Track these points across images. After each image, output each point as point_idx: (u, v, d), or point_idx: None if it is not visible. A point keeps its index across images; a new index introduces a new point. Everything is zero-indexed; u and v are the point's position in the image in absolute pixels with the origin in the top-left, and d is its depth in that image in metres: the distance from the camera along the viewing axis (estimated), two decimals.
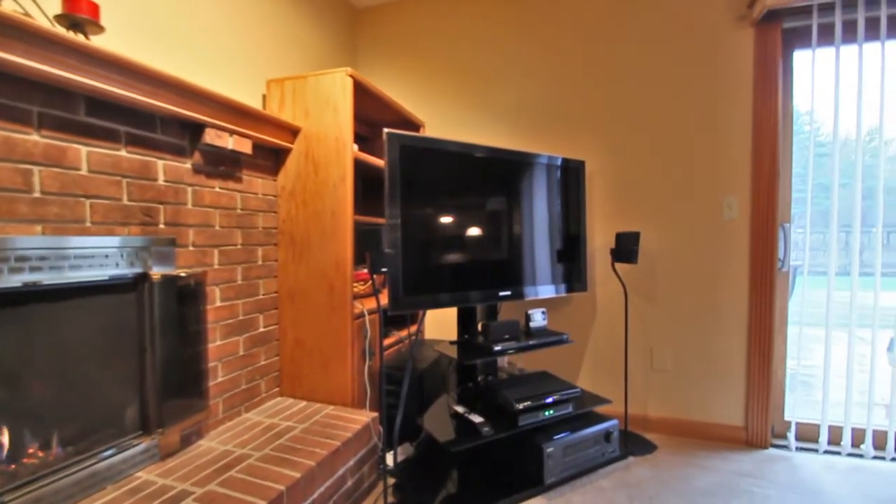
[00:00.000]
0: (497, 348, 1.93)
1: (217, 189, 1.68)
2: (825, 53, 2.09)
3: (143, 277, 1.38)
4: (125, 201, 1.36)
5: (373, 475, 1.81)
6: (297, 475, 1.36)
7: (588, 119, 2.46)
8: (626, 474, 1.97)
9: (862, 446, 2.10)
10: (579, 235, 2.32)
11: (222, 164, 1.69)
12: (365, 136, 2.52)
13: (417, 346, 2.29)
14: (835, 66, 2.07)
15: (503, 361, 2.32)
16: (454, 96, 2.68)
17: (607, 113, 2.43)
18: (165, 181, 1.49)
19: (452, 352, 2.01)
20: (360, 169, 2.06)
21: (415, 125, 2.56)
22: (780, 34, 2.14)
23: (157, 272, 1.40)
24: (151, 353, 1.38)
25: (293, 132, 1.92)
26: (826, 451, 2.13)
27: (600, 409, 2.09)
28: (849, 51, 2.05)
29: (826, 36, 2.08)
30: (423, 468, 1.93)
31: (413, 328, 2.17)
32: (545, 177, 2.21)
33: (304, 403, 1.90)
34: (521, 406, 1.85)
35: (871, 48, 2.02)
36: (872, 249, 2.08)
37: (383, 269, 1.70)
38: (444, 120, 2.70)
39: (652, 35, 2.34)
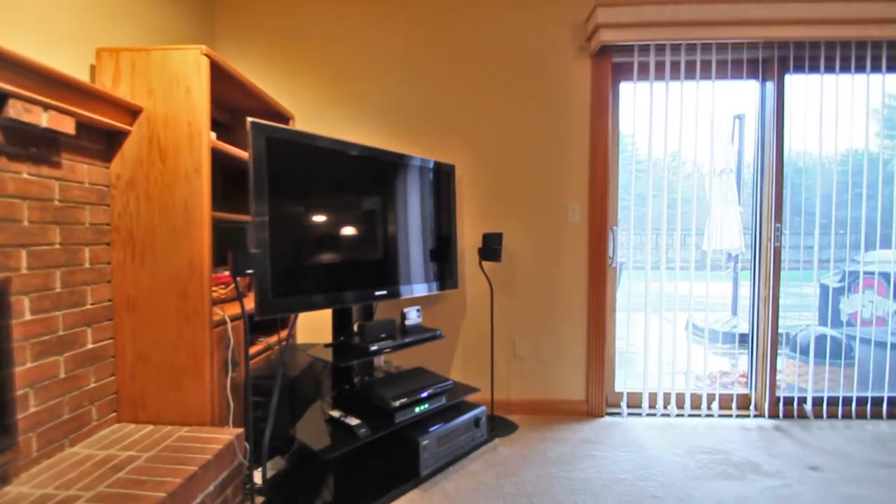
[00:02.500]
0: (373, 348, 1.93)
1: (25, 175, 1.35)
2: (643, 87, 2.54)
3: None
4: None
5: (238, 497, 1.65)
6: None
7: (458, 126, 2.60)
8: (494, 455, 2.14)
9: (669, 407, 2.62)
10: (450, 236, 2.44)
11: (33, 145, 1.37)
12: (225, 123, 2.27)
13: (288, 351, 2.15)
14: (649, 98, 2.53)
15: (380, 361, 2.32)
16: (326, 93, 2.59)
17: (475, 122, 2.60)
18: None
19: (327, 355, 1.94)
20: (221, 160, 1.86)
21: (284, 117, 2.40)
22: (610, 67, 2.55)
23: None
24: None
25: (132, 112, 1.64)
26: (647, 414, 2.60)
27: (470, 397, 2.23)
28: (660, 86, 2.53)
29: (644, 72, 2.53)
30: (297, 481, 1.83)
31: (283, 333, 2.04)
32: (418, 178, 2.27)
33: (150, 428, 1.64)
34: (397, 403, 1.88)
35: (675, 86, 2.53)
36: (674, 248, 2.61)
37: (249, 271, 1.57)
38: (315, 116, 2.58)
39: (513, 56, 2.58)
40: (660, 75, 2.52)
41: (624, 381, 2.71)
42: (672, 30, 2.35)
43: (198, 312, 1.66)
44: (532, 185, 2.61)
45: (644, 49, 2.49)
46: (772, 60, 2.53)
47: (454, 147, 2.60)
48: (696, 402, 2.62)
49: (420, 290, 2.26)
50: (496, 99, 2.59)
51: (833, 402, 2.56)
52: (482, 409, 2.19)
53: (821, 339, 2.62)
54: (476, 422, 2.15)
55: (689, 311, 2.64)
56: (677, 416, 2.58)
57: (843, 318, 2.80)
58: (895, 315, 2.64)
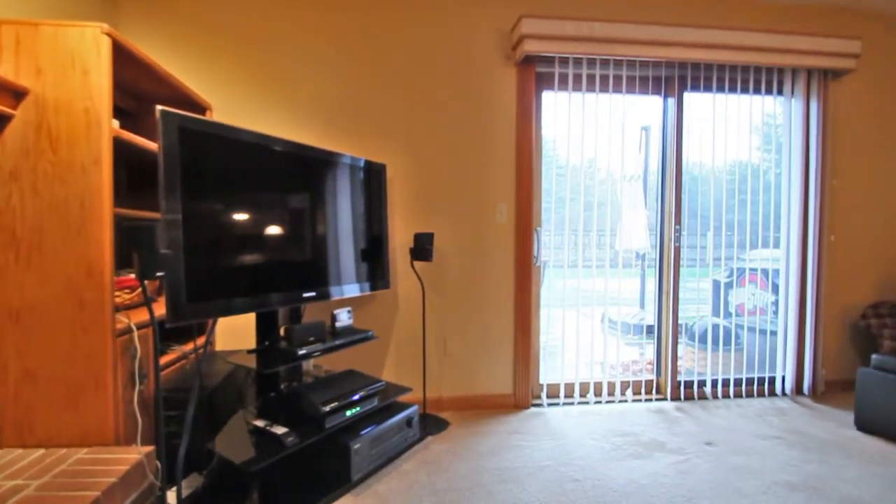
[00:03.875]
0: (302, 352, 1.86)
1: None
2: (563, 97, 2.70)
3: None
4: None
5: None
6: None
7: (389, 126, 2.58)
8: (426, 453, 2.15)
9: (587, 395, 2.80)
10: (382, 235, 2.42)
11: None
12: (131, 111, 2.06)
13: (206, 360, 2.00)
14: (568, 108, 2.70)
15: (308, 365, 2.23)
16: (250, 87, 2.45)
17: (407, 123, 2.60)
18: None
19: (251, 361, 1.84)
20: (125, 151, 1.68)
21: (200, 107, 2.23)
22: (534, 76, 2.67)
23: None
24: None
25: (15, 94, 1.44)
26: (567, 403, 2.77)
27: (402, 397, 2.23)
28: (577, 97, 2.70)
29: (564, 83, 2.69)
30: (217, 498, 1.71)
31: (200, 340, 1.89)
32: (348, 177, 2.23)
33: (40, 452, 1.44)
34: (327, 408, 1.83)
35: (591, 97, 2.71)
36: (591, 248, 2.80)
37: (158, 274, 1.44)
38: (237, 111, 2.43)
39: (443, 62, 2.61)
40: (578, 87, 2.69)
41: (547, 373, 2.86)
42: (588, 45, 2.52)
43: (97, 321, 1.50)
44: (462, 187, 2.66)
45: (564, 61, 2.65)
46: (673, 79, 2.81)
47: (385, 147, 2.58)
48: (610, 390, 2.84)
49: (351, 290, 2.22)
50: (427, 102, 2.61)
51: (725, 383, 2.91)
52: (414, 408, 2.20)
53: (714, 329, 2.96)
54: (408, 422, 2.15)
55: (604, 306, 2.85)
56: (595, 403, 2.78)
57: (732, 309, 3.19)
58: (773, 306, 3.05)
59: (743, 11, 2.84)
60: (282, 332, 1.99)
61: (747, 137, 2.87)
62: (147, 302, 1.48)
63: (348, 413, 1.91)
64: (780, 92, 2.89)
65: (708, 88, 2.82)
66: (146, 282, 1.43)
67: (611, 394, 2.83)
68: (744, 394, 2.92)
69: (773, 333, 3.00)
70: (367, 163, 2.33)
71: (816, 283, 2.84)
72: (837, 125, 2.94)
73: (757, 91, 2.85)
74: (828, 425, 2.47)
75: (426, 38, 2.59)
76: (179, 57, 2.38)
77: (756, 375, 2.96)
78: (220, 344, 2.40)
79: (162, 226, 1.48)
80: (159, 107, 1.49)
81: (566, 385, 2.77)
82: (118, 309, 1.58)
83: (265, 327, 1.97)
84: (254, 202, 1.83)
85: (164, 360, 1.80)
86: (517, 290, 2.72)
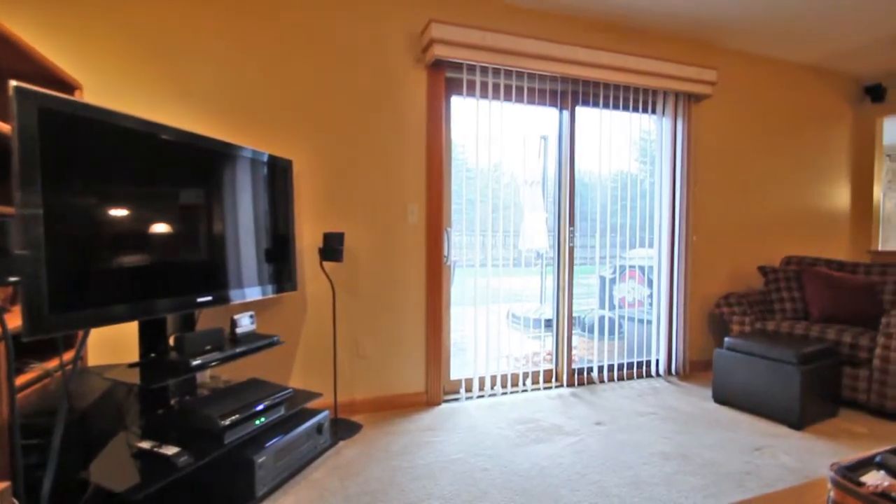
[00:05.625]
0: (196, 363, 1.70)
1: None
2: (471, 102, 2.80)
3: None
4: None
5: None
6: None
7: (296, 122, 2.47)
8: (337, 459, 2.09)
9: (494, 388, 2.94)
10: (288, 235, 2.30)
11: None
12: None
13: (75, 377, 1.74)
14: (476, 114, 2.81)
15: (205, 377, 2.04)
16: (131, 64, 2.16)
17: (315, 120, 2.50)
18: None
19: (133, 376, 1.63)
20: None
21: (68, 86, 1.92)
22: (444, 80, 2.74)
23: None
24: None
25: None
26: (478, 396, 2.87)
27: (313, 403, 2.14)
28: (484, 104, 2.82)
29: (472, 90, 2.79)
30: None
31: (69, 355, 1.63)
32: (250, 172, 2.08)
33: None
34: (227, 422, 1.69)
35: (497, 105, 2.85)
36: (497, 248, 2.95)
37: (12, 279, 1.23)
38: (114, 91, 2.14)
39: (353, 60, 2.56)
40: (485, 94, 2.82)
41: (459, 368, 2.95)
42: (492, 55, 2.65)
43: None
44: (373, 187, 2.64)
45: (472, 68, 2.76)
46: (567, 93, 3.07)
47: (292, 144, 2.46)
48: (514, 381, 3.01)
49: (253, 293, 2.08)
50: (337, 99, 2.54)
51: (611, 368, 3.24)
52: (325, 413, 2.12)
53: (601, 320, 3.29)
54: (318, 428, 2.07)
55: (509, 303, 3.01)
56: (501, 394, 2.93)
57: (616, 302, 3.57)
58: (648, 298, 3.48)
59: (633, 39, 3.20)
60: (171, 341, 1.80)
61: (628, 150, 3.24)
62: None
63: (252, 425, 1.79)
64: (654, 111, 3.30)
65: (596, 104, 3.13)
66: None
67: (515, 384, 3.00)
68: (625, 377, 3.28)
69: (649, 322, 3.41)
70: (272, 157, 2.20)
71: (683, 277, 3.30)
72: (699, 142, 3.44)
73: (636, 109, 3.23)
74: (692, 400, 2.88)
75: (337, 34, 2.52)
76: (44, 28, 2.04)
77: (635, 360, 3.35)
78: (96, 358, 2.09)
79: (17, 222, 1.26)
80: (13, 82, 1.27)
81: (477, 379, 2.88)
82: None
83: (151, 337, 1.76)
84: (136, 196, 1.63)
85: (20, 380, 1.53)
86: (428, 290, 2.76)
